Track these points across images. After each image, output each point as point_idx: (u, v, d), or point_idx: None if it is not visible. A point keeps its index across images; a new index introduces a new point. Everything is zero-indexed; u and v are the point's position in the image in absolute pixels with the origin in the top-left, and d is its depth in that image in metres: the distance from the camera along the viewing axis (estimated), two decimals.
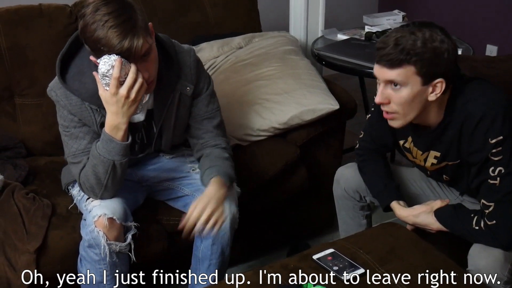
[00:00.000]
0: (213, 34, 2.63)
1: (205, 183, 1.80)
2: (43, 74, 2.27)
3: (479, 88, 1.63)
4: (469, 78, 1.65)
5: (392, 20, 2.99)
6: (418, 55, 1.51)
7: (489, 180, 1.59)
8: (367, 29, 2.90)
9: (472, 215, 1.63)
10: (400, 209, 1.80)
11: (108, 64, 1.58)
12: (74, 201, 1.91)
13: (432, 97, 1.57)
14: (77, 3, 2.41)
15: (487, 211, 1.59)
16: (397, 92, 1.57)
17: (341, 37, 2.90)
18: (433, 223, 1.72)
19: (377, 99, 1.62)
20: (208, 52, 2.49)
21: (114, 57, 1.58)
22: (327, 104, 2.26)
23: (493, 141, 1.56)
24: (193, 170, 1.99)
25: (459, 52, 2.57)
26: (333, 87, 2.43)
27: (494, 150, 1.56)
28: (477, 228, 1.61)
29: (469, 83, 1.64)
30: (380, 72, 1.57)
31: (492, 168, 1.57)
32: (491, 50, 3.73)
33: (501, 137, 1.55)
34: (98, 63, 1.61)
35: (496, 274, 1.57)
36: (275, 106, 2.27)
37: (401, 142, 1.82)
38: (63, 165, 2.03)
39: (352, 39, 2.85)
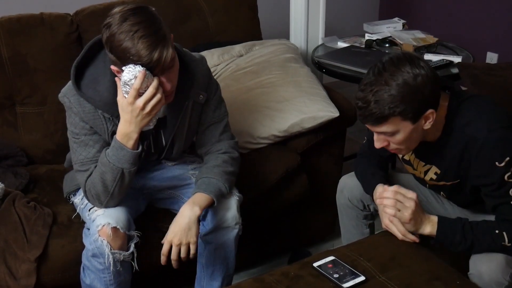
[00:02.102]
0: (213, 42, 2.64)
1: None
2: (44, 82, 2.28)
3: (476, 107, 1.62)
4: (466, 97, 1.65)
5: (392, 28, 2.99)
6: (399, 106, 1.51)
7: None
8: (368, 36, 2.90)
9: (497, 231, 1.59)
10: (379, 188, 1.74)
11: (131, 73, 1.59)
12: (77, 210, 1.91)
13: (427, 126, 1.58)
14: (78, 12, 2.42)
15: None
16: (392, 137, 1.59)
17: (341, 44, 2.90)
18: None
19: (376, 145, 1.64)
20: (209, 60, 2.47)
21: (139, 68, 1.58)
22: (327, 111, 2.26)
23: (502, 164, 1.55)
24: (195, 177, 1.99)
25: (459, 60, 2.59)
26: (334, 94, 2.44)
27: (509, 173, 1.56)
28: (510, 244, 1.58)
29: (466, 101, 1.63)
30: (369, 127, 1.60)
31: None
32: (492, 58, 3.74)
33: (508, 158, 1.55)
34: (121, 71, 1.61)
35: (497, 279, 1.57)
36: (276, 113, 2.27)
37: (400, 155, 1.83)
38: (64, 173, 2.04)
39: (352, 46, 2.85)
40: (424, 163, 1.76)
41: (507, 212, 1.60)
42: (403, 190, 1.65)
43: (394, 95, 1.50)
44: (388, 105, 1.50)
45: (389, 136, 1.59)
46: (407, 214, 1.63)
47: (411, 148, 1.66)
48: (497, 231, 1.60)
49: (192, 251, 1.72)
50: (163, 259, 1.73)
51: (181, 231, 1.71)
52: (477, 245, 1.61)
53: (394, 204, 1.64)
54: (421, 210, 1.66)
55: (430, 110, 1.55)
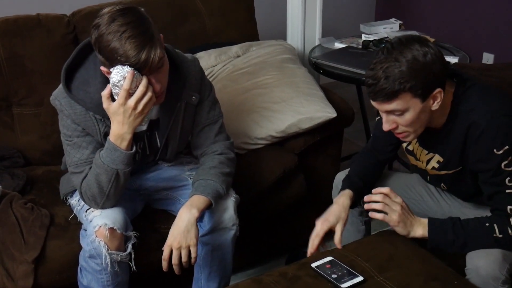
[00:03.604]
0: (211, 43, 2.64)
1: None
2: (41, 83, 2.27)
3: (481, 94, 1.63)
4: (472, 83, 1.66)
5: (389, 28, 3.00)
6: (409, 81, 1.52)
7: (508, 190, 1.59)
8: (364, 37, 2.91)
9: (487, 224, 1.61)
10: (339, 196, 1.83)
11: (120, 75, 1.59)
12: (74, 211, 1.91)
13: (435, 107, 1.59)
14: (75, 12, 2.42)
15: None
16: (401, 117, 1.59)
17: (338, 45, 2.91)
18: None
19: (385, 127, 1.64)
20: (206, 61, 2.50)
21: (127, 68, 1.58)
22: (324, 112, 2.26)
23: (500, 151, 1.57)
24: (191, 178, 1.99)
25: (455, 60, 2.60)
26: (331, 95, 2.44)
27: (505, 161, 1.57)
28: (501, 236, 1.60)
29: (472, 88, 1.64)
30: (379, 106, 1.60)
31: (509, 178, 1.58)
32: (488, 58, 3.75)
33: (507, 147, 1.56)
34: (110, 72, 1.61)
35: (494, 274, 1.58)
36: (273, 114, 2.27)
37: (405, 145, 1.84)
38: (61, 174, 2.04)
39: (349, 47, 2.86)
40: (427, 152, 1.76)
41: (501, 201, 1.62)
42: (392, 194, 1.67)
43: (404, 70, 1.51)
44: (398, 80, 1.52)
45: (398, 116, 1.59)
46: (394, 217, 1.65)
47: (418, 132, 1.66)
48: (487, 224, 1.61)
49: (193, 254, 1.71)
50: (164, 264, 1.72)
51: (180, 234, 1.71)
52: (470, 242, 1.62)
53: (382, 207, 1.66)
54: (409, 213, 1.68)
55: (438, 89, 1.56)
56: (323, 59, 2.74)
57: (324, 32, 3.03)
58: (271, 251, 2.48)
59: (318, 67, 2.71)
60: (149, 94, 1.64)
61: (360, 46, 2.85)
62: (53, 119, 2.26)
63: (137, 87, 1.62)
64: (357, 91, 3.09)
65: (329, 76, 2.70)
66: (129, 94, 1.62)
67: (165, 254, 1.72)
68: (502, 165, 1.58)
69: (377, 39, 2.87)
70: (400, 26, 3.04)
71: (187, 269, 1.78)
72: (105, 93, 1.64)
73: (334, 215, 1.77)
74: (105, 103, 1.65)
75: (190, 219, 1.72)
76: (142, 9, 1.65)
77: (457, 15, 3.89)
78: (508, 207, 1.60)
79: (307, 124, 2.26)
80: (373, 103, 1.60)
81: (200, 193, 1.78)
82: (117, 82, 1.60)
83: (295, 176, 2.30)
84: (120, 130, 1.67)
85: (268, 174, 2.21)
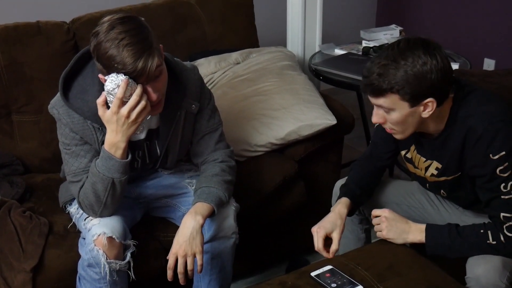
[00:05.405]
0: (210, 49, 2.64)
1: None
2: (41, 91, 2.27)
3: (480, 100, 1.63)
4: (471, 89, 1.66)
5: (389, 35, 3.00)
6: (399, 85, 1.53)
7: (503, 196, 1.59)
8: (365, 44, 2.91)
9: (482, 230, 1.62)
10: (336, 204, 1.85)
11: (114, 83, 1.58)
12: (73, 220, 1.90)
13: (425, 115, 1.59)
14: (74, 20, 2.43)
15: (509, 223, 1.60)
16: (389, 114, 1.61)
17: (338, 52, 2.90)
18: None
19: (373, 119, 1.66)
20: (206, 68, 2.50)
21: (122, 77, 1.58)
22: (324, 119, 2.26)
23: (496, 157, 1.57)
24: (191, 186, 1.98)
25: (456, 66, 2.59)
26: (331, 102, 2.44)
27: (501, 167, 1.57)
28: (494, 242, 1.60)
29: (471, 94, 1.64)
30: (369, 98, 1.62)
31: (504, 184, 1.58)
32: (489, 64, 3.74)
33: (504, 153, 1.56)
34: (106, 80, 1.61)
35: (494, 282, 1.57)
36: (273, 121, 2.27)
37: (403, 152, 1.84)
38: (60, 182, 2.03)
39: (349, 54, 2.85)
40: (425, 159, 1.76)
41: (495, 207, 1.62)
42: (376, 212, 1.76)
43: (397, 73, 1.52)
44: (388, 80, 1.53)
45: (386, 112, 1.61)
46: (383, 232, 1.73)
47: (406, 134, 1.66)
48: (482, 231, 1.62)
49: (199, 262, 1.70)
50: (169, 273, 1.70)
51: (185, 241, 1.69)
52: (465, 248, 1.63)
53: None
54: (401, 221, 1.71)
55: (430, 99, 1.56)
56: (323, 65, 2.73)
57: (324, 39, 3.03)
58: (272, 258, 2.47)
59: (318, 73, 2.71)
60: (142, 103, 1.63)
61: (360, 53, 2.85)
62: (52, 127, 2.25)
63: (131, 95, 1.61)
64: (357, 97, 3.09)
65: (329, 82, 2.70)
66: (123, 102, 1.61)
67: (171, 263, 1.70)
68: (498, 170, 1.58)
69: (378, 45, 2.86)
70: (400, 32, 3.04)
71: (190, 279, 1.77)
72: (99, 101, 1.64)
73: (330, 222, 1.78)
74: (100, 110, 1.65)
75: (195, 226, 1.71)
76: (142, 19, 1.64)
77: (458, 21, 3.89)
78: (501, 214, 1.60)
79: (307, 131, 2.25)
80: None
81: (203, 200, 1.77)
82: (111, 90, 1.60)
83: (295, 183, 2.30)
84: (114, 139, 1.66)
85: (268, 181, 2.20)
